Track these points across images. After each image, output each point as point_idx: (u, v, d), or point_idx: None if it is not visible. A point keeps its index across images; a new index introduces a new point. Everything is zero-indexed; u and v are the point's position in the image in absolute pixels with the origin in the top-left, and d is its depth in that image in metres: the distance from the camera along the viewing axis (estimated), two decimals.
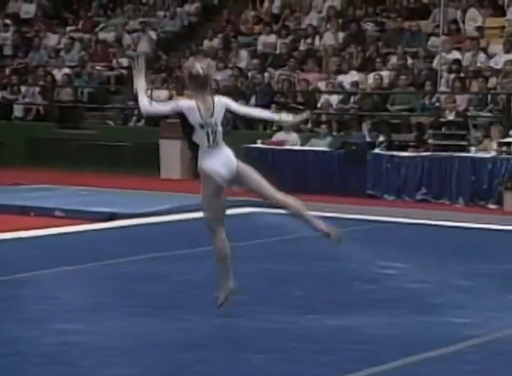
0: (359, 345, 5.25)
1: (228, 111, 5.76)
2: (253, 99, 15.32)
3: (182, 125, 5.78)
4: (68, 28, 19.36)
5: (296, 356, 5.07)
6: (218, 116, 5.72)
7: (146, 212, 10.55)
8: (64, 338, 5.32)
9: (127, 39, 18.49)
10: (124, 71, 17.75)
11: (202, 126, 5.67)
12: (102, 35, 18.92)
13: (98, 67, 17.74)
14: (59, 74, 17.77)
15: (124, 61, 17.86)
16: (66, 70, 17.91)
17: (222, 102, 5.77)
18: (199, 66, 5.67)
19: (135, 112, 16.56)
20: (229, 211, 10.91)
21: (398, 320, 5.84)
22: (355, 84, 14.83)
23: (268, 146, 13.73)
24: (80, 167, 15.57)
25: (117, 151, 15.71)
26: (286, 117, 6.01)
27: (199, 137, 5.70)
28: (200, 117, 5.67)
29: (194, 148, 5.74)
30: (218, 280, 5.97)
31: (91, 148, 15.98)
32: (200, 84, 5.69)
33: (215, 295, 6.24)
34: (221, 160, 5.72)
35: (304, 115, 6.29)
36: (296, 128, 14.50)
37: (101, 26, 19.31)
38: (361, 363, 4.92)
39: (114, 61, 17.89)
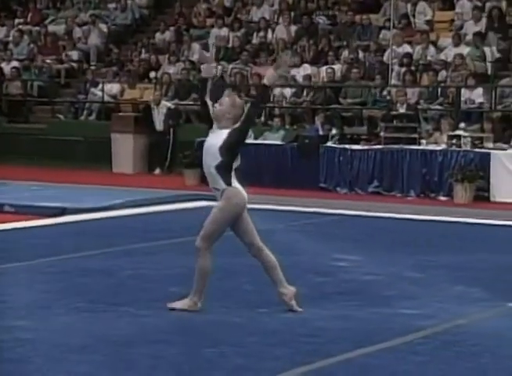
0: (312, 338, 5.29)
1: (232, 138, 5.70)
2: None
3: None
4: (17, 20, 19.07)
5: (249, 349, 5.08)
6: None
7: (98, 207, 10.47)
8: (14, 335, 5.26)
9: (77, 32, 18.29)
10: (74, 64, 17.56)
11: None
12: (51, 28, 18.68)
13: (47, 60, 17.51)
14: (7, 68, 17.49)
15: (74, 54, 17.67)
16: (15, 64, 17.64)
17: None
18: (220, 103, 5.76)
19: (86, 106, 16.41)
20: (181, 205, 11.03)
21: (351, 313, 5.89)
22: (307, 77, 14.88)
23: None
24: (30, 162, 15.38)
25: (68, 146, 15.54)
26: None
27: (237, 158, 5.78)
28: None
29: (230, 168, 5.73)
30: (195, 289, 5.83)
31: (41, 142, 15.77)
32: (215, 119, 5.79)
33: (170, 290, 6.23)
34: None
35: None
36: None
37: (50, 18, 19.07)
38: (314, 356, 4.96)
39: (64, 54, 17.68)
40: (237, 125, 5.76)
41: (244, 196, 5.81)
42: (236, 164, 5.78)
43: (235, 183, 5.78)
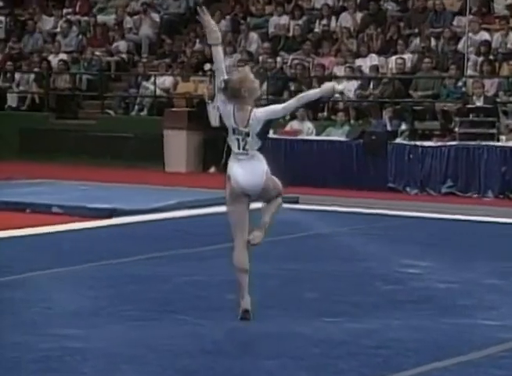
0: (381, 350, 5.23)
1: (269, 121, 5.95)
2: (264, 86, 15.27)
3: (222, 122, 6.08)
4: (65, 10, 19.36)
5: (313, 361, 5.05)
6: (254, 129, 5.92)
7: (149, 209, 10.55)
8: (62, 344, 5.31)
9: (128, 22, 18.49)
10: (124, 57, 17.75)
11: (234, 131, 5.95)
12: (101, 18, 18.92)
13: (97, 53, 17.74)
14: (55, 60, 17.77)
15: (125, 45, 17.86)
16: (63, 56, 17.91)
17: (261, 115, 5.94)
18: (235, 74, 5.94)
19: (137, 100, 16.57)
20: None
21: (423, 323, 5.82)
22: (374, 68, 14.77)
23: (282, 136, 13.71)
24: (78, 160, 15.59)
25: (118, 143, 15.71)
26: (325, 87, 6.02)
27: (231, 140, 6.00)
28: (234, 123, 5.93)
29: (229, 149, 6.08)
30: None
31: (90, 139, 15.99)
32: (232, 95, 5.89)
33: (227, 298, 6.23)
34: (245, 171, 5.93)
35: (340, 86, 6.19)
36: (311, 116, 14.48)
37: (100, 7, 19.31)
38: (383, 369, 4.90)
39: (114, 46, 17.89)
40: (276, 114, 5.96)
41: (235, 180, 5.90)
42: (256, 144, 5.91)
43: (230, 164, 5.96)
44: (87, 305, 6.20)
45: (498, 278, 7.15)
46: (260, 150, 5.96)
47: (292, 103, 5.98)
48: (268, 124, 5.98)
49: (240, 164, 5.94)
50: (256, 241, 6.02)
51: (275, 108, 6.03)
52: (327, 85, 6.03)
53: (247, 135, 5.92)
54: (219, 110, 6.10)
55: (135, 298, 6.41)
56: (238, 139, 5.93)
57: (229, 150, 6.10)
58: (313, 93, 6.05)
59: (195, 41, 17.44)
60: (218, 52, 6.01)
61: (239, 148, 5.94)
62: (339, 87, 6.04)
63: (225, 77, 5.91)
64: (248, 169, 5.92)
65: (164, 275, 7.17)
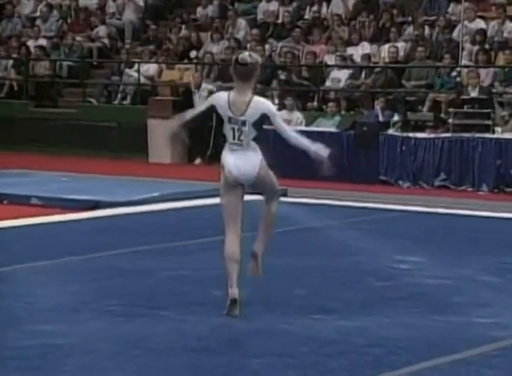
0: (372, 348, 5.27)
1: (265, 119, 5.96)
2: None
3: (217, 114, 6.12)
4: None
5: (301, 360, 5.08)
6: (250, 117, 5.96)
7: (133, 201, 10.55)
8: (43, 340, 5.33)
9: (110, 6, 18.44)
10: (107, 43, 17.71)
11: (230, 120, 6.00)
12: (82, 2, 18.87)
13: (78, 38, 17.69)
14: (34, 46, 17.72)
15: (107, 31, 17.80)
16: (43, 41, 17.85)
17: (261, 106, 5.99)
18: (247, 54, 5.98)
19: (120, 88, 16.54)
20: None
21: (415, 321, 5.85)
22: (366, 57, 14.79)
23: (270, 127, 13.70)
24: (58, 150, 15.56)
25: (101, 132, 15.69)
26: (322, 150, 6.11)
27: (226, 130, 6.05)
28: (230, 111, 5.99)
29: (215, 139, 6.18)
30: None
31: (70, 129, 15.96)
32: (243, 74, 5.94)
33: (212, 293, 6.25)
34: (239, 161, 5.98)
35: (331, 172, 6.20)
36: (300, 106, 14.49)
37: None
38: (373, 368, 4.93)
39: (96, 31, 17.85)
40: (274, 120, 5.97)
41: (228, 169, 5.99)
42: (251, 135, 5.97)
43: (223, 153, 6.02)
44: (69, 300, 6.21)
45: (492, 274, 7.19)
46: (255, 140, 5.99)
47: (288, 131, 6.04)
48: (262, 118, 5.97)
49: (234, 153, 5.99)
50: (252, 274, 6.14)
51: (276, 114, 6.05)
52: (323, 152, 6.07)
53: (243, 124, 5.95)
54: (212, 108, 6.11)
55: (118, 292, 6.42)
56: (233, 129, 5.98)
57: (216, 140, 6.16)
58: (308, 146, 6.07)
59: (181, 27, 17.42)
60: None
61: (234, 138, 5.99)
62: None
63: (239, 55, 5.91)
64: (242, 158, 5.97)
65: (148, 269, 7.19)
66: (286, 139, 6.03)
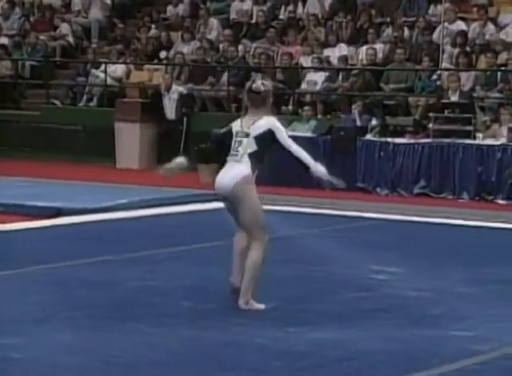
0: (348, 362, 5.31)
1: (270, 135, 6.30)
2: (225, 77, 15.34)
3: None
4: None
5: (274, 374, 5.11)
6: (254, 130, 6.30)
7: (98, 208, 10.54)
8: (4, 354, 5.32)
9: (76, 4, 18.42)
10: (72, 41, 17.68)
11: (236, 134, 6.36)
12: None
13: (42, 37, 17.65)
14: None
15: (73, 30, 17.76)
16: (4, 40, 17.79)
17: (267, 122, 6.33)
18: (260, 83, 6.38)
19: (86, 90, 16.52)
20: (194, 207, 11.06)
21: (393, 333, 5.91)
22: (343, 59, 14.89)
23: None
24: (20, 154, 15.50)
25: (65, 136, 15.66)
26: (321, 169, 6.56)
27: (231, 144, 6.38)
28: (240, 127, 6.38)
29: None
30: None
31: (33, 132, 15.91)
32: (256, 102, 6.33)
33: (182, 304, 6.27)
34: (223, 173, 6.31)
35: (340, 184, 6.71)
36: (275, 110, 14.52)
37: None
38: None
39: (61, 30, 17.80)
40: (278, 134, 6.32)
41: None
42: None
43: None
44: (31, 312, 6.20)
45: (471, 286, 7.27)
46: (252, 156, 6.23)
47: (292, 144, 6.43)
48: (266, 134, 6.26)
49: (226, 166, 6.32)
50: (243, 308, 6.29)
51: (279, 128, 6.34)
52: (323, 173, 6.54)
53: (246, 135, 6.28)
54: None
55: (83, 304, 6.42)
56: (235, 141, 6.30)
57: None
58: (309, 161, 6.52)
59: (150, 26, 17.42)
60: None
61: (232, 149, 6.30)
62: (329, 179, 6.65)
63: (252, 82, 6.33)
64: (228, 170, 6.27)
65: (115, 279, 7.19)
66: (290, 152, 6.43)
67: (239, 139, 6.30)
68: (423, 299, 6.81)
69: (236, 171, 6.24)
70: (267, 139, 6.25)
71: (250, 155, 6.23)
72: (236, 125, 6.41)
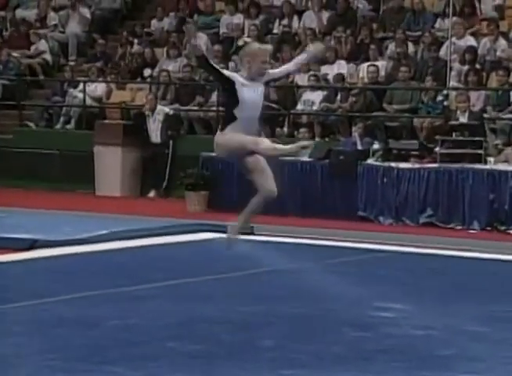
0: None
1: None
2: (214, 96, 15.39)
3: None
4: None
5: None
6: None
7: (76, 240, 10.52)
8: None
9: (52, 18, 18.50)
10: (48, 58, 17.74)
11: None
12: (20, 13, 18.92)
13: (15, 54, 17.72)
14: None
15: (49, 46, 17.81)
16: None
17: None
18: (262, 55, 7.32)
19: (63, 111, 16.55)
20: (181, 238, 11.06)
21: None
22: (342, 77, 14.95)
23: None
24: None
25: (40, 161, 15.67)
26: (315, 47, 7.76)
27: None
28: None
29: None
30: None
31: (5, 157, 15.92)
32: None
33: (166, 345, 6.24)
34: None
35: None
36: (269, 132, 14.58)
37: (19, 0, 19.29)
38: None
39: (36, 46, 17.87)
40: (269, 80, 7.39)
41: None
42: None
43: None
44: (2, 354, 6.17)
45: (483, 324, 7.26)
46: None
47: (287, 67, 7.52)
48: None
49: None
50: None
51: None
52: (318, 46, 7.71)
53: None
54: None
55: (58, 345, 6.40)
56: None
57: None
58: (302, 58, 7.59)
59: (132, 41, 17.52)
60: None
61: None
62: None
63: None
64: None
65: (93, 318, 7.17)
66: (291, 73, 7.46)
67: None
68: (430, 339, 6.80)
69: None
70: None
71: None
72: None
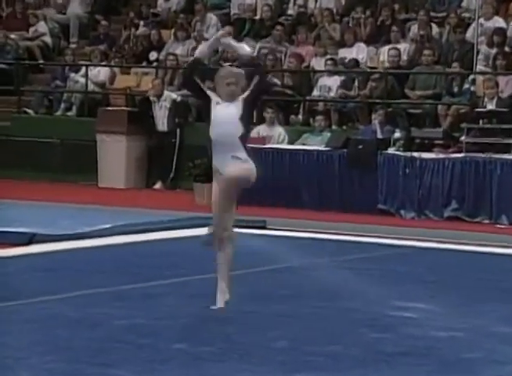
0: None
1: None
2: None
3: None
4: None
5: None
6: None
7: (78, 234, 10.56)
8: None
9: None
10: (48, 41, 17.77)
11: None
12: None
13: (12, 36, 17.75)
14: None
15: (49, 28, 17.84)
16: None
17: None
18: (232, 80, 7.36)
19: (64, 97, 16.59)
20: (189, 232, 11.08)
21: None
22: (356, 62, 14.94)
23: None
24: None
25: (40, 150, 15.72)
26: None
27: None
28: None
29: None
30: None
31: (3, 146, 15.97)
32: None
33: (174, 347, 6.27)
34: None
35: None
36: (282, 120, 14.59)
37: None
38: None
39: (35, 28, 17.90)
40: (248, 96, 7.31)
41: None
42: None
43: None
44: (0, 355, 6.22)
45: (511, 325, 7.27)
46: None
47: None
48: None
49: None
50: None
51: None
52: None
53: None
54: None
55: (59, 346, 6.43)
56: None
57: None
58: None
59: (138, 23, 17.53)
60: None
61: None
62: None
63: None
64: None
65: (97, 317, 7.21)
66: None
67: None
68: (454, 340, 6.81)
69: None
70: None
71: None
72: None
